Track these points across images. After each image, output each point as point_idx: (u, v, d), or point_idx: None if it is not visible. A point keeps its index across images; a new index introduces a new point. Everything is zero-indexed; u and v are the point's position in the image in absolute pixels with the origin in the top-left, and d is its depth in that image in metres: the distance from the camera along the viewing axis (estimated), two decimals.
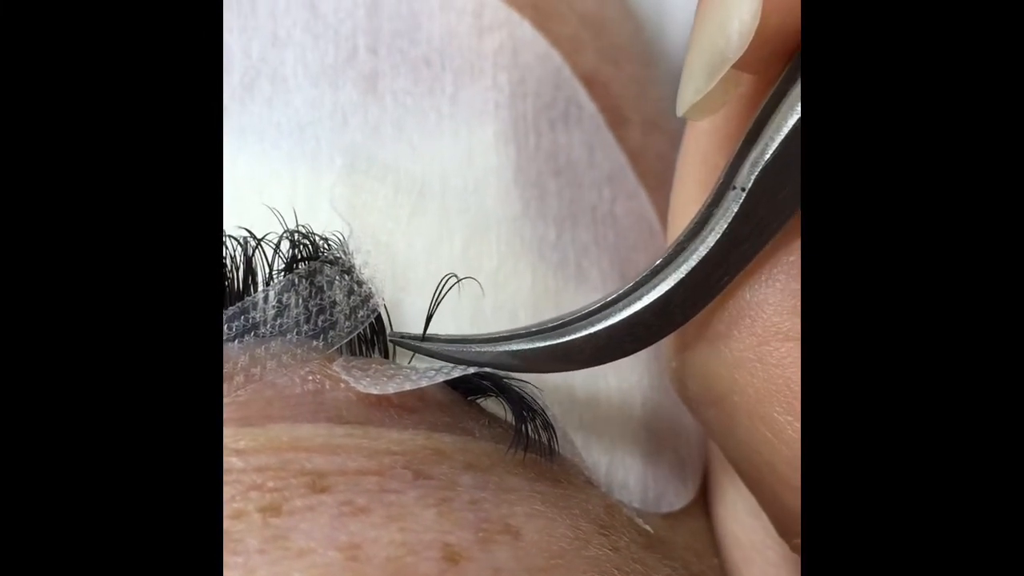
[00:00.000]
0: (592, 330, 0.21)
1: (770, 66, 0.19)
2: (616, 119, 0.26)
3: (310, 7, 0.24)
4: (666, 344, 0.22)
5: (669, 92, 0.20)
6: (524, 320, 0.23)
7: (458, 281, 0.22)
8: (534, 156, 0.25)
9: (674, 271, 0.20)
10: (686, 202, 0.22)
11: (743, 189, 0.19)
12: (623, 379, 0.24)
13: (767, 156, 0.19)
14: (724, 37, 0.18)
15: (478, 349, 0.21)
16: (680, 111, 0.20)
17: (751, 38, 0.18)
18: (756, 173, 0.19)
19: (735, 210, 0.19)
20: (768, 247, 0.20)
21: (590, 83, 0.26)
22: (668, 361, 0.22)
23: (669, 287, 0.20)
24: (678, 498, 0.24)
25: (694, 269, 0.20)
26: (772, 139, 0.19)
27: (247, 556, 0.17)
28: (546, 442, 0.21)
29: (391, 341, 0.22)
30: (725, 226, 0.20)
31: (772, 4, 0.18)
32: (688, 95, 0.19)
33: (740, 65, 0.19)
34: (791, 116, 0.19)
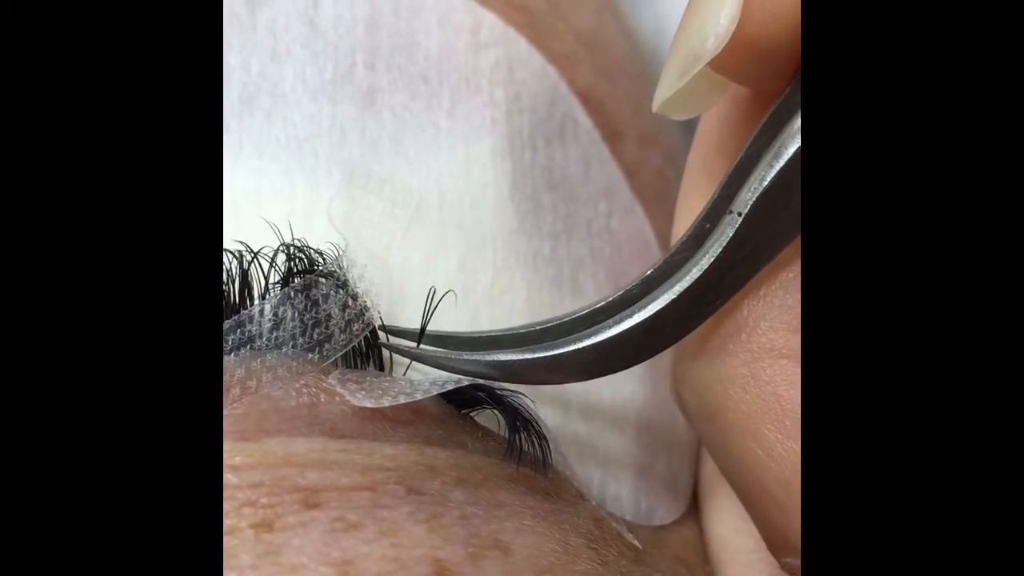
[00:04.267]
0: (581, 345, 0.20)
1: (764, 81, 0.20)
2: (612, 134, 0.26)
3: (309, 23, 0.24)
4: (667, 357, 0.22)
5: None
6: None
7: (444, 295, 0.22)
8: (530, 171, 0.25)
9: (666, 291, 0.20)
10: (692, 217, 0.22)
11: (739, 214, 0.19)
12: (617, 393, 0.24)
13: (766, 183, 0.19)
14: (701, 38, 0.19)
15: (468, 358, 0.21)
16: (654, 106, 0.20)
17: (726, 41, 0.19)
18: (753, 199, 0.19)
19: (731, 235, 0.19)
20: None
21: (586, 99, 0.26)
22: (670, 372, 0.22)
23: (660, 307, 0.20)
24: (669, 512, 0.25)
25: (686, 290, 0.20)
26: (771, 166, 0.19)
27: (240, 572, 0.17)
28: (539, 454, 0.21)
29: (383, 346, 0.22)
30: (719, 250, 0.20)
31: (751, 13, 0.18)
32: (662, 90, 0.20)
33: (722, 70, 0.19)
34: (791, 144, 0.19)
